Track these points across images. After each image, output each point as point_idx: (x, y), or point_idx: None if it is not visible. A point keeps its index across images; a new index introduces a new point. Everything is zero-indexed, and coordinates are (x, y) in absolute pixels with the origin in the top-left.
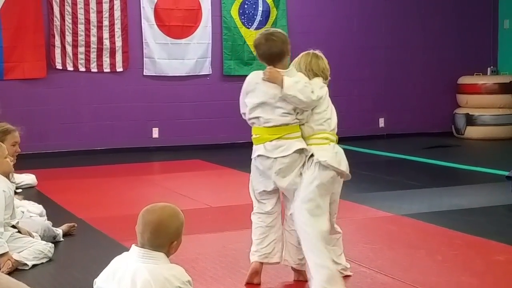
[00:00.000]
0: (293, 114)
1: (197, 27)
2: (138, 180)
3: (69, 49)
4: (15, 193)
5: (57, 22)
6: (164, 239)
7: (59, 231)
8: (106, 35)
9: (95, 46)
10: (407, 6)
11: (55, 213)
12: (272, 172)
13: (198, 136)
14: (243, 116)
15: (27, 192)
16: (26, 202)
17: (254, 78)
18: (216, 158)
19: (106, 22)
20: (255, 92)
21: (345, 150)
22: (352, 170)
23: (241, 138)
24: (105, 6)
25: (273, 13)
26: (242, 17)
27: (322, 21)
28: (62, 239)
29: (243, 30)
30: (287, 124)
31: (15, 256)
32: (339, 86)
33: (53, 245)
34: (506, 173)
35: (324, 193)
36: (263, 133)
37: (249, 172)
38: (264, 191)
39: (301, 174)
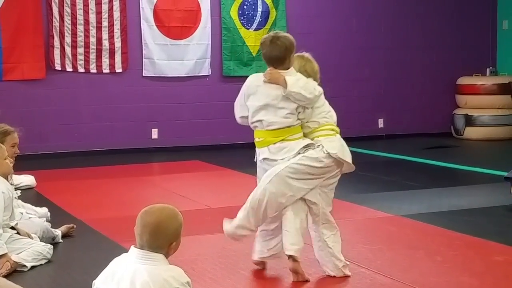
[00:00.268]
0: (295, 114)
1: (197, 28)
2: (138, 181)
3: (68, 50)
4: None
5: (56, 23)
6: (163, 240)
7: (58, 232)
8: (105, 36)
9: (94, 47)
10: (406, 6)
11: (54, 214)
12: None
13: (197, 137)
14: (238, 120)
15: (26, 193)
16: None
17: (255, 81)
18: (215, 159)
19: (105, 23)
20: (257, 94)
21: None
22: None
23: (240, 139)
24: (104, 7)
25: (273, 13)
26: (242, 17)
27: (322, 21)
28: (61, 240)
29: (242, 31)
30: (289, 126)
31: (14, 257)
32: (338, 86)
33: (52, 246)
34: (505, 174)
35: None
36: (266, 136)
37: (249, 173)
38: None
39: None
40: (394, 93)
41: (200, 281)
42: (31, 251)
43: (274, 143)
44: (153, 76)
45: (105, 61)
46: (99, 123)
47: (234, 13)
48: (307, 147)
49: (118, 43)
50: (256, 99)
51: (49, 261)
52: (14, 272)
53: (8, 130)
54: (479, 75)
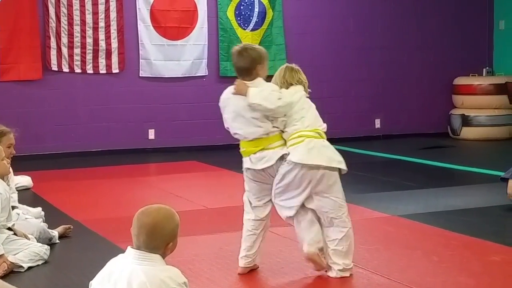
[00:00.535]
0: (267, 122)
1: (193, 28)
2: (134, 181)
3: (64, 50)
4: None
5: (52, 23)
6: (159, 241)
7: (55, 233)
8: (102, 36)
9: (91, 48)
10: (403, 7)
11: (50, 215)
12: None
13: (194, 138)
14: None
15: (22, 194)
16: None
17: (226, 94)
18: (212, 160)
19: (102, 24)
20: (228, 107)
21: (341, 151)
22: (348, 171)
23: (237, 139)
24: (101, 8)
25: (269, 14)
26: (238, 18)
27: (318, 22)
28: (58, 241)
29: (239, 31)
30: (267, 134)
31: (11, 258)
32: (335, 86)
33: (48, 247)
34: (502, 174)
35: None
36: (247, 146)
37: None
38: (262, 197)
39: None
40: (391, 93)
41: (197, 282)
42: (28, 252)
43: (255, 153)
44: (150, 77)
45: (102, 61)
46: (95, 123)
47: (231, 13)
48: (284, 156)
49: (114, 44)
50: (228, 111)
51: (46, 262)
52: (11, 273)
53: (4, 131)
54: (475, 75)
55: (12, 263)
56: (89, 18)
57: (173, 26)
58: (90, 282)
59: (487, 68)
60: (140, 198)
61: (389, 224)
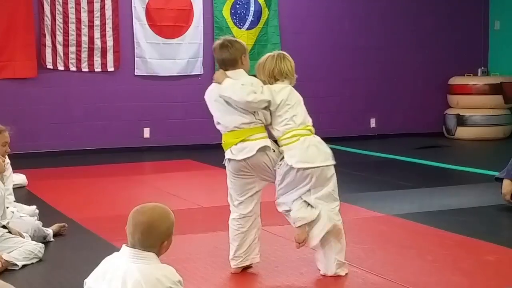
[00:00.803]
0: (250, 113)
1: (189, 27)
2: (129, 180)
3: (60, 48)
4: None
5: (48, 21)
6: (154, 239)
7: (50, 231)
8: (97, 34)
9: (86, 46)
10: (399, 6)
11: (45, 213)
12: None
13: (189, 136)
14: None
15: (17, 192)
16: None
17: (210, 87)
18: (207, 158)
19: (97, 22)
20: (211, 97)
21: (336, 150)
22: (343, 170)
23: None
24: (96, 6)
25: (265, 13)
26: (234, 17)
27: (314, 21)
28: (52, 239)
29: (234, 30)
30: (249, 124)
31: (5, 256)
32: (330, 86)
33: (43, 245)
34: (496, 174)
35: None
36: (228, 138)
37: None
38: (245, 192)
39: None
40: (386, 93)
41: (192, 280)
42: (22, 250)
43: (236, 144)
44: (145, 75)
45: (97, 60)
46: (90, 122)
47: (226, 12)
48: (265, 148)
49: (110, 42)
50: (211, 101)
51: (40, 260)
52: (5, 271)
53: None
54: (471, 75)
55: (7, 261)
56: (84, 16)
57: (169, 25)
58: (85, 280)
59: (482, 68)
60: (135, 196)
61: (384, 224)
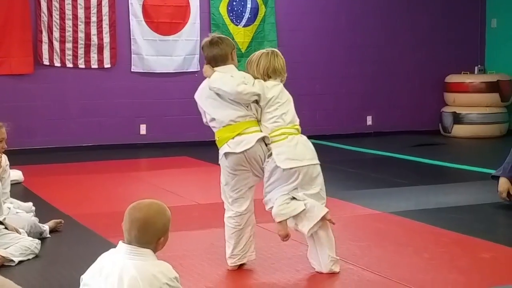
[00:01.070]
0: (243, 106)
1: (186, 24)
2: (126, 176)
3: (56, 45)
4: None
5: (44, 17)
6: (151, 236)
7: (46, 227)
8: (94, 31)
9: (83, 42)
10: (395, 4)
11: (42, 210)
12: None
13: (186, 133)
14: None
15: (13, 188)
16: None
17: (201, 85)
18: (203, 155)
19: (94, 18)
20: (203, 94)
21: (333, 147)
22: (340, 168)
23: None
24: (93, 2)
25: (262, 10)
26: (231, 14)
27: (311, 18)
28: (48, 235)
29: (231, 27)
30: (244, 117)
31: (1, 252)
32: (327, 83)
33: (39, 241)
34: (493, 171)
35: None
36: (223, 133)
37: None
38: (240, 188)
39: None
40: (382, 90)
41: (188, 277)
42: (18, 246)
43: (233, 138)
44: (141, 72)
45: (94, 56)
46: (87, 118)
47: (223, 9)
48: (263, 138)
49: (106, 39)
50: (202, 98)
51: (36, 256)
52: (2, 267)
53: None
54: (467, 73)
55: (3, 257)
56: (81, 13)
57: (165, 22)
58: (81, 276)
59: (479, 66)
60: (131, 193)
61: (380, 221)
